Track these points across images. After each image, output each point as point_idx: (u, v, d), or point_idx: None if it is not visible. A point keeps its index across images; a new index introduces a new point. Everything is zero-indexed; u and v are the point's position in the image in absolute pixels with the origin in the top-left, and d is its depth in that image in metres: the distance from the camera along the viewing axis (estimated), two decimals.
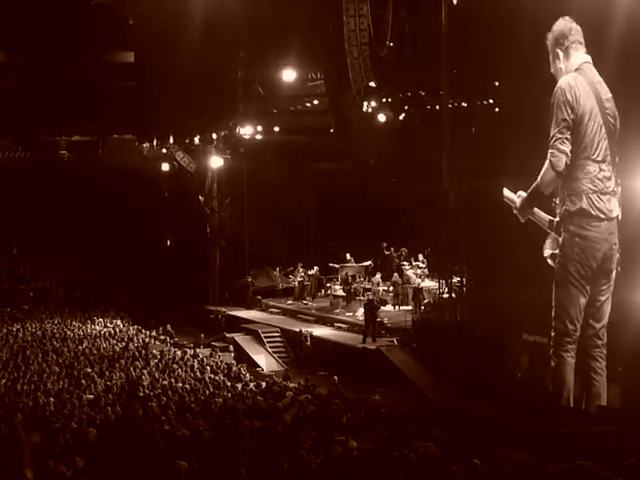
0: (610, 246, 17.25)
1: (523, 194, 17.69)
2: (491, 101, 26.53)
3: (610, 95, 17.18)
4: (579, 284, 17.56)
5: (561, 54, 17.60)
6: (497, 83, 25.93)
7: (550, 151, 17.03)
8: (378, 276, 35.63)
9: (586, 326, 17.68)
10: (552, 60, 17.69)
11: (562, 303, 17.99)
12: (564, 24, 17.59)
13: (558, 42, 17.58)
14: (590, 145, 16.92)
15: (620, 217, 17.38)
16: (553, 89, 18.86)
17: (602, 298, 17.71)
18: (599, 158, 16.89)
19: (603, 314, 17.75)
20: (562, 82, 17.17)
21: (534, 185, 17.28)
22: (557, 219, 17.94)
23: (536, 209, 17.90)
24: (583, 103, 16.90)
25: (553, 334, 18.64)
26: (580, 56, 17.38)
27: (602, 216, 17.04)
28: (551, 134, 17.16)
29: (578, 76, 17.14)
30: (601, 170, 16.91)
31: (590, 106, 16.95)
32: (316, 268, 39.08)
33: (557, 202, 17.75)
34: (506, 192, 19.60)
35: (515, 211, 18.33)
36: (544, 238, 19.49)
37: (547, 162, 17.00)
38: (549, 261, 18.89)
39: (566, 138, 16.86)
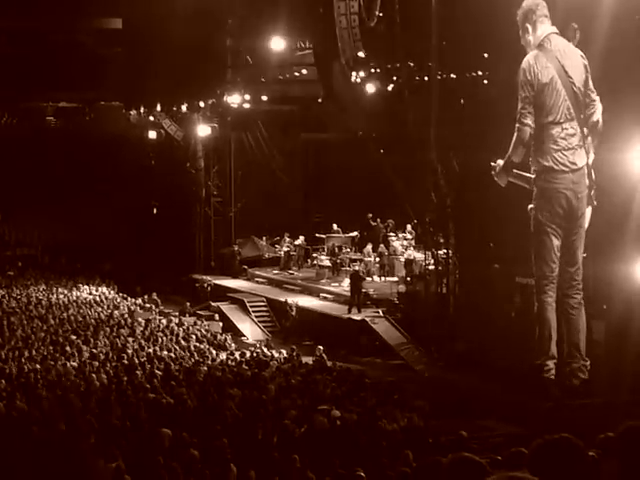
0: (576, 194, 18.48)
1: (500, 162, 18.77)
2: (480, 73, 26.45)
3: (579, 61, 18.15)
4: (551, 230, 18.84)
5: (530, 27, 18.47)
6: (486, 55, 25.84)
7: (516, 125, 18.35)
8: (369, 247, 35.62)
9: (562, 270, 18.85)
10: (522, 34, 18.58)
11: (537, 250, 19.20)
12: (530, 1, 18.35)
13: (527, 17, 18.38)
14: (551, 111, 18.30)
15: (590, 163, 18.30)
16: None
17: (574, 244, 18.84)
18: (561, 120, 18.22)
19: (577, 258, 18.91)
20: (523, 63, 18.32)
21: (507, 155, 18.51)
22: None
23: (516, 170, 18.76)
24: (541, 78, 18.19)
25: (534, 280, 19.70)
26: (546, 28, 18.37)
27: (566, 169, 18.40)
28: (518, 109, 18.43)
29: (538, 53, 18.22)
30: (563, 129, 18.31)
31: (549, 77, 18.19)
32: (302, 238, 39.01)
33: (530, 163, 18.95)
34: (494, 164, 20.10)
35: (495, 178, 19.15)
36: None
37: (515, 135, 18.35)
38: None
39: (528, 112, 18.24)
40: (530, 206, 19.30)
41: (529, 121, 18.37)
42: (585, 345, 18.65)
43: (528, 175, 19.03)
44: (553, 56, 18.46)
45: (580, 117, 18.48)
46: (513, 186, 21.62)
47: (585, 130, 18.43)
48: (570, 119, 18.39)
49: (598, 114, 18.30)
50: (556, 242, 18.98)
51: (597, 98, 18.30)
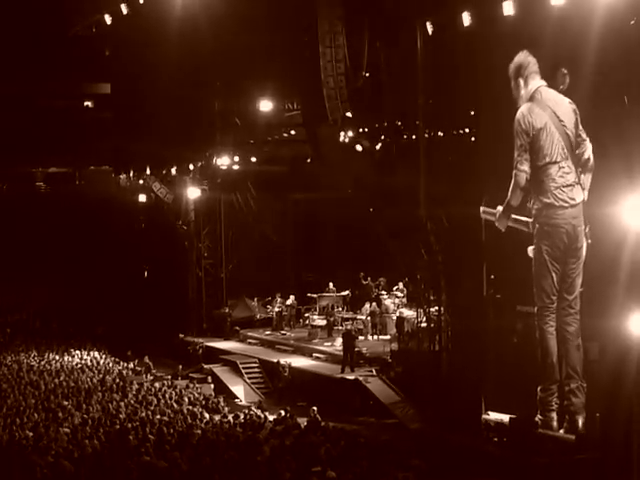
0: (574, 228, 20.30)
1: (500, 208, 21.05)
2: (467, 130, 26.63)
3: (568, 107, 20.37)
4: (551, 265, 20.67)
5: (522, 82, 20.60)
6: (473, 112, 26.04)
7: (514, 172, 20.43)
8: (367, 306, 35.61)
9: (561, 299, 20.74)
10: (514, 88, 20.77)
11: (539, 282, 20.96)
12: (523, 57, 20.59)
13: (519, 72, 20.56)
14: (548, 153, 20.21)
15: (586, 199, 20.32)
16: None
17: (573, 274, 20.64)
18: (557, 159, 20.14)
19: (575, 287, 20.69)
20: (518, 114, 20.42)
21: (506, 200, 20.73)
22: (532, 219, 20.99)
23: (514, 216, 20.95)
24: (536, 124, 20.25)
25: (535, 309, 21.38)
26: (536, 82, 20.46)
27: (565, 205, 20.23)
28: (514, 157, 20.43)
29: (532, 104, 20.33)
30: (560, 168, 20.17)
31: (543, 122, 20.19)
32: (292, 297, 39.00)
33: (530, 205, 20.85)
34: (484, 209, 22.30)
35: (496, 223, 21.46)
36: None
37: (512, 180, 20.46)
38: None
39: (524, 159, 20.25)
40: (530, 248, 21.18)
41: (525, 167, 20.27)
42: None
43: (526, 219, 21.08)
44: (545, 105, 20.40)
45: (574, 156, 20.25)
46: (504, 237, 22.15)
47: (579, 168, 20.22)
48: (565, 158, 20.19)
49: (589, 152, 20.23)
50: (556, 278, 20.77)
51: (587, 138, 20.24)
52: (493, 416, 23.57)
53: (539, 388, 21.56)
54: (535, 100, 20.56)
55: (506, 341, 24.26)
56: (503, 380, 23.98)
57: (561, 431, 21.25)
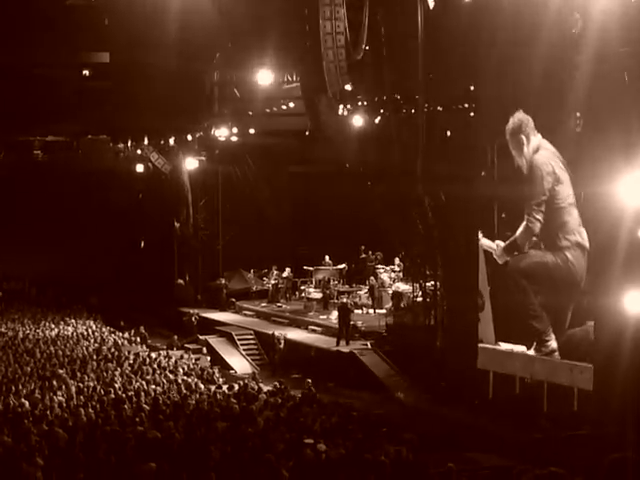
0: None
1: (501, 244, 22.37)
2: (466, 105, 26.59)
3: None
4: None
5: (524, 139, 21.62)
6: (472, 88, 25.99)
7: (528, 218, 21.42)
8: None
9: None
10: (516, 147, 21.88)
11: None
12: (522, 116, 21.66)
13: (520, 130, 21.65)
14: (570, 194, 21.07)
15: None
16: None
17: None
18: (573, 201, 21.01)
19: None
20: (539, 162, 21.29)
21: (512, 240, 21.95)
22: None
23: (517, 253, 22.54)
24: (556, 170, 21.16)
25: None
26: (537, 138, 21.44)
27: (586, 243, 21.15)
28: (531, 203, 21.41)
29: (545, 152, 21.29)
30: (575, 209, 21.08)
31: (559, 168, 21.16)
32: (288, 270, 39.03)
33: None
34: (484, 241, 23.69)
35: (494, 255, 22.91)
36: None
37: (524, 226, 21.53)
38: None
39: (540, 210, 21.25)
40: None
41: (540, 217, 21.34)
42: None
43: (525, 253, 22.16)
44: (552, 153, 21.37)
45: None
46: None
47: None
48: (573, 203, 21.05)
49: None
50: None
51: None
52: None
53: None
54: (543, 149, 21.42)
55: None
56: None
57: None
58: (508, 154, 22.97)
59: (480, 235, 23.80)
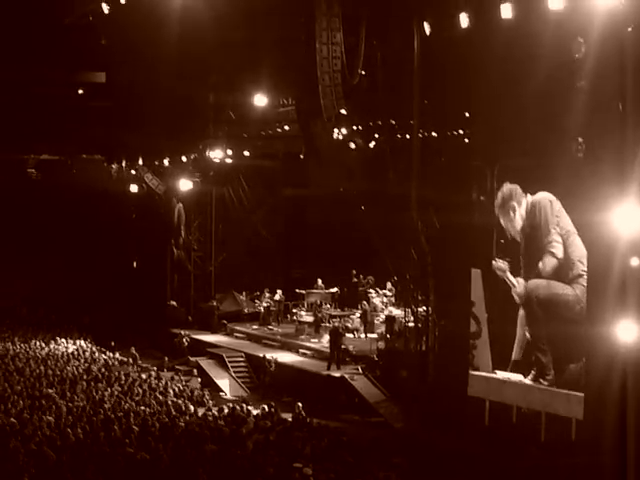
0: None
1: (522, 282, 22.84)
2: (461, 132, 26.64)
3: None
4: None
5: (515, 205, 22.59)
6: (467, 114, 26.05)
7: (547, 251, 22.17)
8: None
9: None
10: (506, 216, 22.88)
11: None
12: (510, 186, 22.69)
13: (510, 198, 22.70)
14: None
15: None
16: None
17: None
18: (572, 229, 22.03)
19: None
20: (542, 201, 22.24)
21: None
22: None
23: None
24: (551, 205, 22.23)
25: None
26: (526, 199, 22.51)
27: None
28: (548, 239, 22.07)
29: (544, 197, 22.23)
30: None
31: (554, 204, 22.21)
32: (279, 292, 38.97)
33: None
34: (508, 275, 23.87)
35: (514, 293, 23.27)
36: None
37: (547, 259, 22.11)
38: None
39: (556, 240, 21.96)
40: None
41: (560, 240, 21.90)
42: None
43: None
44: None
45: None
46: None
47: None
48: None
49: None
50: None
51: None
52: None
53: None
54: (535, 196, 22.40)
55: None
56: None
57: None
58: (508, 178, 23.17)
59: (497, 261, 23.72)
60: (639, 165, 19.28)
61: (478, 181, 24.47)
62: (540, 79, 21.25)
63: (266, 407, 25.67)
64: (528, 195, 22.56)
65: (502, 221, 23.30)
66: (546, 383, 22.32)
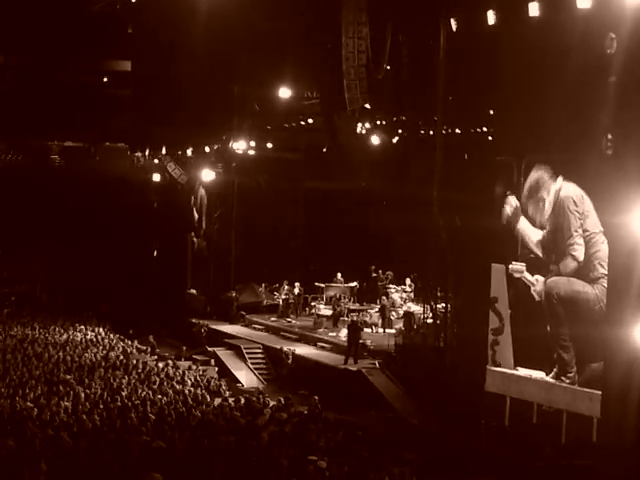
0: None
1: (541, 279, 22.71)
2: (485, 129, 26.57)
3: None
4: None
5: (544, 193, 22.28)
6: (492, 112, 25.98)
7: (569, 252, 21.94)
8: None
9: None
10: (537, 204, 22.62)
11: None
12: (537, 174, 22.40)
13: (539, 187, 22.41)
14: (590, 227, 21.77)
15: None
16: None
17: None
18: (600, 229, 21.59)
19: None
20: (572, 193, 21.88)
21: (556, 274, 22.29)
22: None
23: None
24: (576, 204, 21.87)
25: None
26: (557, 183, 22.07)
27: None
28: (565, 240, 21.99)
29: (565, 190, 21.94)
30: None
31: (580, 204, 21.81)
32: (298, 285, 38.95)
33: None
34: (526, 274, 23.62)
35: (533, 291, 23.12)
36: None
37: (568, 259, 21.90)
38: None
39: (578, 242, 21.66)
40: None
41: (581, 242, 21.65)
42: None
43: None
44: (574, 189, 21.88)
45: None
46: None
47: None
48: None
49: None
50: None
51: None
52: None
53: None
54: (564, 188, 22.02)
55: None
56: None
57: None
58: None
59: (513, 264, 23.70)
60: None
61: (503, 177, 24.31)
62: (569, 75, 21.15)
63: (281, 399, 25.70)
64: (559, 180, 22.20)
65: (530, 211, 23.02)
66: (567, 381, 22.20)
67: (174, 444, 18.33)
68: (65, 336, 35.94)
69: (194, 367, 31.90)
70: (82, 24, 45.64)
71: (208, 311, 41.63)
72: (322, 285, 38.68)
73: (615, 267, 20.46)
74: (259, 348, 34.73)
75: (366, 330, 33.28)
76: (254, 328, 38.34)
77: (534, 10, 21.94)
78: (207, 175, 42.42)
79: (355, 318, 32.56)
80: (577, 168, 21.77)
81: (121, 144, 50.09)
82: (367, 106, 31.28)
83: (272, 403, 25.59)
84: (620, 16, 19.64)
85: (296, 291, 38.80)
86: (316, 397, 25.99)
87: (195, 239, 44.15)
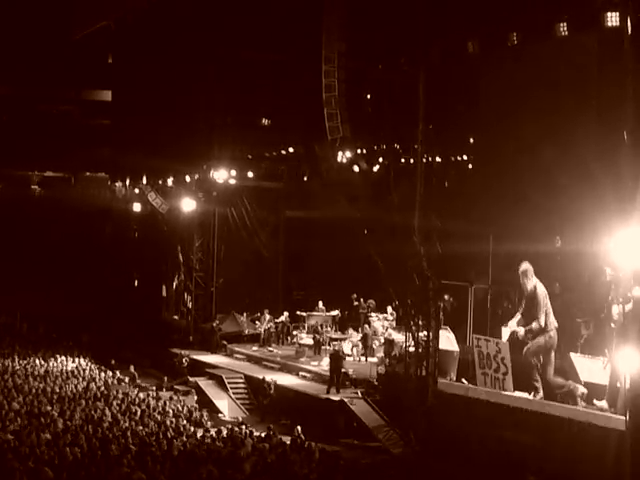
0: None
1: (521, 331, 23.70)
2: (465, 157, 26.68)
3: None
4: None
5: (527, 281, 23.48)
6: (472, 140, 26.10)
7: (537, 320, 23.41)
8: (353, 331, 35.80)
9: None
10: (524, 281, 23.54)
11: None
12: (526, 264, 23.42)
13: (526, 275, 23.47)
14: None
15: None
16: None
17: None
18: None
19: None
20: (538, 290, 23.39)
21: (529, 329, 23.38)
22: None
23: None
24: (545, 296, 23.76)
25: None
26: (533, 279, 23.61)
27: None
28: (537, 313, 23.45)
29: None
30: None
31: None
32: (286, 314, 38.91)
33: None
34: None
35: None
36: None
37: (537, 323, 23.35)
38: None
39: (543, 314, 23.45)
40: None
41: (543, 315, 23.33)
42: None
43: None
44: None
45: None
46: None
47: None
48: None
49: None
50: None
51: None
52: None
53: None
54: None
55: None
56: None
57: None
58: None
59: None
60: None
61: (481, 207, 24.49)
62: (547, 103, 21.34)
63: (265, 429, 25.59)
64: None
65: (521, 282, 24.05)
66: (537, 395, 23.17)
67: (155, 476, 18.20)
68: (45, 367, 35.71)
69: (175, 398, 31.73)
70: (62, 54, 45.66)
71: (190, 341, 41.47)
72: (304, 314, 38.62)
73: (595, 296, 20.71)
74: (241, 378, 34.59)
75: (348, 359, 33.21)
76: (236, 358, 38.21)
77: (513, 39, 22.13)
78: (188, 204, 42.38)
79: (337, 347, 32.49)
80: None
81: (101, 174, 50.05)
82: (347, 135, 31.40)
83: (254, 433, 25.50)
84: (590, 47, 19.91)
85: (282, 319, 38.69)
86: (298, 427, 25.91)
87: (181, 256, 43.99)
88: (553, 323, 23.22)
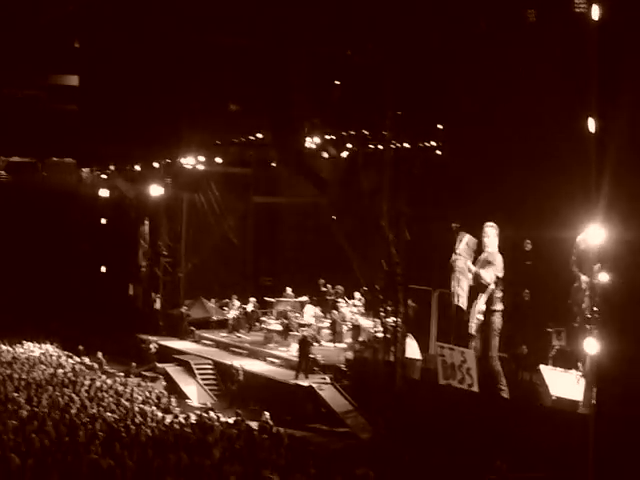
0: None
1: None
2: (433, 143, 26.72)
3: None
4: None
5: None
6: (441, 126, 26.14)
7: None
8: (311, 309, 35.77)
9: None
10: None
11: None
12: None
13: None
14: None
15: None
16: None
17: None
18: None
19: None
20: None
21: None
22: None
23: None
24: None
25: None
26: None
27: None
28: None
29: None
30: None
31: None
32: (253, 300, 38.86)
33: None
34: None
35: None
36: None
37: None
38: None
39: None
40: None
41: None
42: None
43: None
44: None
45: None
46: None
47: None
48: None
49: None
50: None
51: None
52: None
53: None
54: None
55: None
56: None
57: None
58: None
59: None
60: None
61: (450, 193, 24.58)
62: (521, 95, 21.41)
63: (233, 415, 25.58)
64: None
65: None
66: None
67: (124, 462, 18.16)
68: (12, 354, 35.51)
69: (143, 384, 31.64)
70: (28, 38, 45.24)
71: (159, 326, 41.32)
72: (272, 300, 38.61)
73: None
74: (209, 364, 34.57)
75: (316, 345, 33.24)
76: (204, 344, 38.17)
77: (483, 25, 22.17)
78: (156, 190, 42.22)
79: (305, 333, 32.51)
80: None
81: (69, 159, 49.68)
82: (316, 121, 31.34)
83: (223, 419, 25.48)
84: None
85: (250, 307, 38.64)
86: (267, 413, 25.93)
87: (144, 244, 43.82)
88: None
